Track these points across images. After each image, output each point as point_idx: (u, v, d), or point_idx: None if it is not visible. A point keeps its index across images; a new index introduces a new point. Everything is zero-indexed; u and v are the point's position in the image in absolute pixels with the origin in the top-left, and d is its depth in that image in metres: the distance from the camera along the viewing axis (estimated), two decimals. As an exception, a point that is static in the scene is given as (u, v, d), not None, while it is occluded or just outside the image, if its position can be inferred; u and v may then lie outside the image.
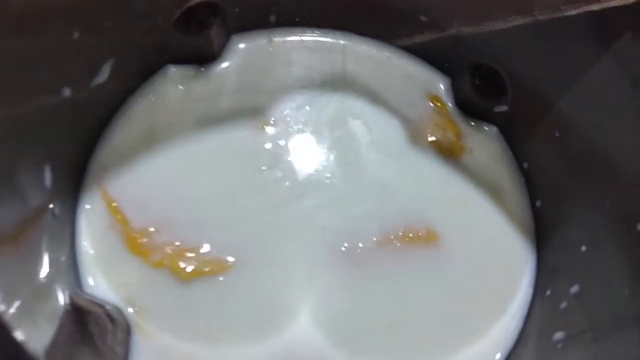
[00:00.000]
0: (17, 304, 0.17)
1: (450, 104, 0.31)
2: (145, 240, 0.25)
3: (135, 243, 0.25)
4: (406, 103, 0.31)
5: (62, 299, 0.21)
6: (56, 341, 0.17)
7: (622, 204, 0.22)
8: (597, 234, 0.23)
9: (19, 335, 0.16)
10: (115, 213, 0.26)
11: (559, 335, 0.22)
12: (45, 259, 0.22)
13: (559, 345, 0.21)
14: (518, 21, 0.27)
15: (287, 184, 0.27)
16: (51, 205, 0.23)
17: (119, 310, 0.23)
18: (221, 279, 0.25)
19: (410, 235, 0.26)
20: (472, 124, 0.30)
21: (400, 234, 0.26)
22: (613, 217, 0.22)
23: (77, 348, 0.18)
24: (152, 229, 0.26)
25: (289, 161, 0.28)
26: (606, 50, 0.24)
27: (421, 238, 0.26)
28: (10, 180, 0.20)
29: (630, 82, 0.23)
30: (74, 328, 0.19)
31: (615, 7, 0.24)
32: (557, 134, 0.26)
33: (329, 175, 0.28)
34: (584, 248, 0.23)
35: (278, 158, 0.28)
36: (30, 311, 0.19)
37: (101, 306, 0.22)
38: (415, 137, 0.30)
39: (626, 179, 0.22)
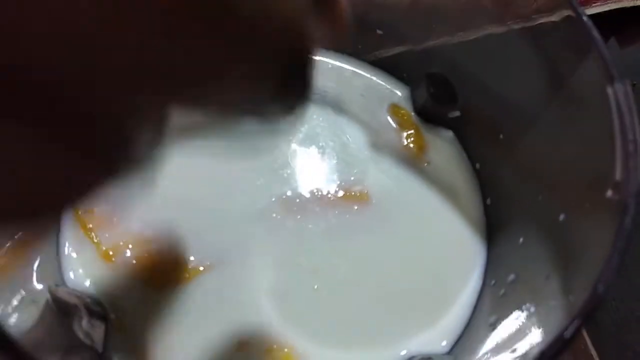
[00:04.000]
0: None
1: (412, 112, 0.33)
2: (116, 257, 0.27)
3: (108, 258, 0.27)
4: (369, 112, 0.33)
5: (45, 291, 0.23)
6: (35, 325, 0.19)
7: (550, 199, 0.24)
8: (531, 227, 0.25)
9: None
10: (87, 232, 0.28)
11: (492, 318, 0.24)
12: (35, 257, 0.24)
13: (491, 327, 0.23)
14: (491, 30, 0.29)
15: (261, 195, 0.29)
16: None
17: (97, 302, 0.26)
18: (192, 283, 0.27)
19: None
20: (430, 129, 0.32)
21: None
22: (543, 211, 0.24)
23: (53, 330, 0.21)
24: (122, 243, 0.27)
25: (262, 169, 0.30)
26: (540, 59, 0.26)
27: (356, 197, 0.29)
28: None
29: (563, 93, 0.25)
30: (52, 314, 0.22)
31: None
32: (501, 137, 0.28)
33: (297, 181, 0.30)
34: (521, 240, 0.25)
35: (251, 166, 0.30)
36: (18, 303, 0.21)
37: (79, 297, 0.24)
38: (377, 142, 0.32)
39: (552, 176, 0.24)
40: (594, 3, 0.45)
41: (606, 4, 0.45)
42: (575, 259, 0.20)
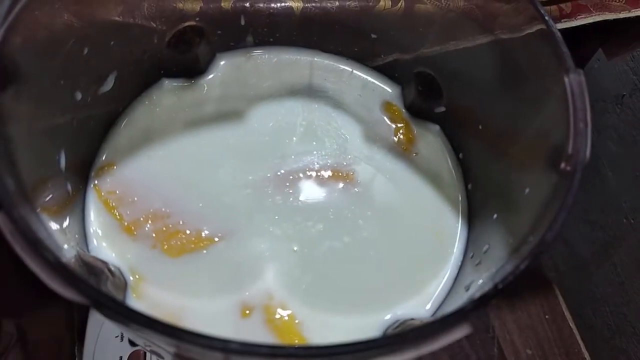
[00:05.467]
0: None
1: (402, 109, 0.37)
2: (137, 231, 0.30)
3: (130, 232, 0.30)
4: (365, 108, 0.36)
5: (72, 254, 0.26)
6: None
7: (518, 176, 0.27)
8: (503, 203, 0.28)
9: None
10: (111, 210, 0.31)
11: (467, 282, 0.27)
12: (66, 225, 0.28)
13: (466, 289, 0.26)
14: (481, 40, 0.32)
15: (260, 174, 0.33)
16: (68, 186, 0.29)
17: (118, 270, 0.29)
18: (205, 252, 0.30)
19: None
20: (419, 123, 0.36)
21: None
22: (513, 187, 0.27)
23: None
24: (142, 218, 0.31)
25: (263, 155, 0.34)
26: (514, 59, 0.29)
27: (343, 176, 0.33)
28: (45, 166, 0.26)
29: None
30: (80, 270, 0.25)
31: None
32: (480, 127, 0.32)
33: (297, 169, 0.33)
34: (495, 216, 0.29)
35: (254, 154, 0.34)
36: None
37: (104, 263, 0.28)
38: (370, 135, 0.35)
39: (521, 155, 0.27)
40: (579, 15, 0.48)
41: (590, 15, 0.48)
42: (534, 222, 0.23)
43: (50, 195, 0.25)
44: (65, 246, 0.24)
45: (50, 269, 0.17)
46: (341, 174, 0.33)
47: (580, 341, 0.61)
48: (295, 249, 0.31)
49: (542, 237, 0.20)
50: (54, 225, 0.24)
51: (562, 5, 0.45)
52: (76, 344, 0.50)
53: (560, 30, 0.25)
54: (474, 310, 0.18)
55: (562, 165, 0.22)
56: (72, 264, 0.23)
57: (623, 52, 0.50)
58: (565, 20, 0.45)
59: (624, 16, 0.46)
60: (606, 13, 0.47)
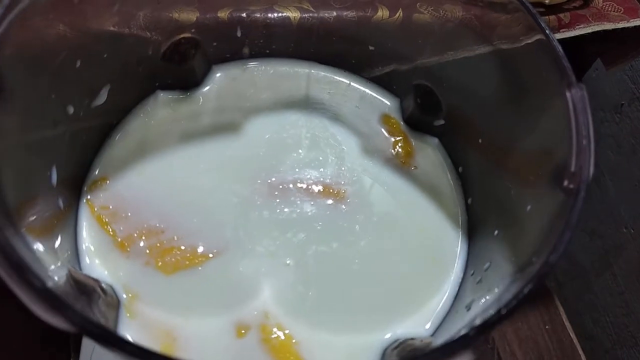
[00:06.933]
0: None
1: (401, 121, 0.36)
2: (130, 247, 0.30)
3: (123, 248, 0.30)
4: (363, 121, 0.36)
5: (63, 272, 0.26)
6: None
7: (520, 193, 0.27)
8: (504, 219, 0.28)
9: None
10: (104, 225, 0.30)
11: (468, 301, 0.26)
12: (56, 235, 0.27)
13: (467, 308, 0.26)
14: (479, 50, 0.32)
15: (256, 187, 0.32)
16: (59, 202, 0.28)
17: (111, 288, 0.28)
18: (200, 268, 0.30)
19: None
20: (417, 136, 0.35)
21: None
22: (514, 204, 0.27)
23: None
24: (135, 234, 0.30)
25: (259, 168, 0.33)
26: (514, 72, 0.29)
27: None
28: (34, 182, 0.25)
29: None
30: (70, 290, 0.24)
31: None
32: (480, 141, 0.31)
33: (290, 180, 0.33)
34: (496, 232, 0.28)
35: (250, 166, 0.33)
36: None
37: (96, 281, 0.27)
38: (368, 148, 0.35)
39: (522, 171, 0.27)
40: (577, 25, 0.47)
41: (589, 25, 0.47)
42: (537, 240, 0.23)
43: (39, 214, 0.24)
44: (54, 266, 0.24)
45: (36, 294, 0.16)
46: (331, 190, 0.32)
47: (580, 352, 0.60)
48: (288, 262, 0.30)
49: (546, 258, 0.19)
50: (42, 244, 0.23)
51: (561, 16, 0.44)
52: (72, 356, 0.49)
53: (559, 40, 0.25)
54: (477, 337, 0.17)
55: (566, 183, 0.22)
56: (61, 286, 0.22)
57: (621, 62, 0.50)
58: (564, 30, 0.45)
59: (622, 26, 0.46)
60: (605, 23, 0.47)
